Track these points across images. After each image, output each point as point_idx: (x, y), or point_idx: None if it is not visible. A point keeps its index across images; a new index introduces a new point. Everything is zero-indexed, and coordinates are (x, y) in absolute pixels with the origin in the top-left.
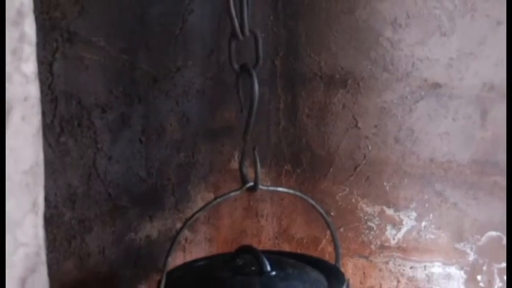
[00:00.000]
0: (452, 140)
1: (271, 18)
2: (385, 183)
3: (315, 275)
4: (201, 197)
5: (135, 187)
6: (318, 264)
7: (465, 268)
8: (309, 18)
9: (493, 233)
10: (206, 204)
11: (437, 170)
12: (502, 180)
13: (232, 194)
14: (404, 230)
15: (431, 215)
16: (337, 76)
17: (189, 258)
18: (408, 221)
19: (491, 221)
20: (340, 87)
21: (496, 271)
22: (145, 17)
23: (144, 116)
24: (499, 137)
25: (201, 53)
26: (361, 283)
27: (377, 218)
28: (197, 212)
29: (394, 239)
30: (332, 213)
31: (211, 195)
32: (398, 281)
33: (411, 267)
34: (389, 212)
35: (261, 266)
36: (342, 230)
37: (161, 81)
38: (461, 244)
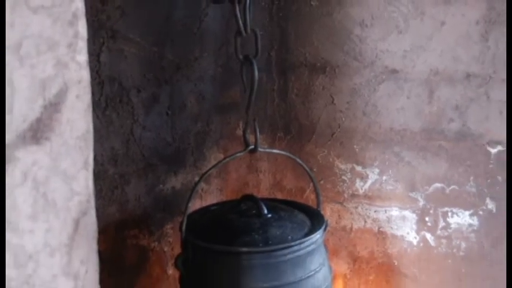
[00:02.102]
0: (406, 113)
1: (268, 20)
2: (355, 146)
3: (301, 216)
4: (213, 157)
5: (163, 149)
6: (303, 208)
7: (416, 211)
8: (297, 20)
9: (438, 185)
10: (218, 163)
11: (395, 136)
12: (445, 144)
13: (238, 154)
14: (369, 182)
15: (390, 171)
16: (318, 64)
17: (204, 204)
18: (372, 175)
19: (436, 175)
20: (320, 73)
21: (440, 214)
22: (171, 19)
23: (170, 95)
24: (442, 111)
25: (213, 47)
26: (336, 223)
27: (349, 173)
28: (211, 168)
29: (362, 189)
30: (314, 169)
31: (222, 156)
32: (365, 222)
33: (375, 211)
34: (358, 168)
35: (260, 210)
36: (322, 182)
37: (183, 68)
38: (413, 193)
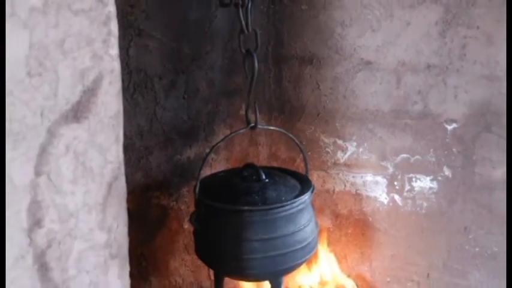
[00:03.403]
0: (378, 96)
1: (266, 21)
2: (337, 124)
3: (293, 181)
4: (221, 133)
5: (180, 126)
6: (295, 174)
7: (387, 177)
8: (289, 21)
9: (404, 155)
10: (225, 137)
11: (369, 116)
12: (410, 122)
13: (241, 131)
14: (348, 153)
15: (365, 144)
16: (307, 57)
17: (214, 171)
18: (351, 147)
19: (403, 147)
20: (308, 64)
21: (406, 179)
22: (187, 20)
23: (186, 82)
24: (408, 95)
25: (221, 42)
26: (321, 186)
27: (332, 146)
28: (219, 142)
29: (342, 159)
30: (303, 143)
31: (228, 131)
32: (345, 185)
33: (353, 177)
34: (339, 142)
35: (259, 175)
36: (309, 153)
37: (196, 60)
38: (384, 162)
